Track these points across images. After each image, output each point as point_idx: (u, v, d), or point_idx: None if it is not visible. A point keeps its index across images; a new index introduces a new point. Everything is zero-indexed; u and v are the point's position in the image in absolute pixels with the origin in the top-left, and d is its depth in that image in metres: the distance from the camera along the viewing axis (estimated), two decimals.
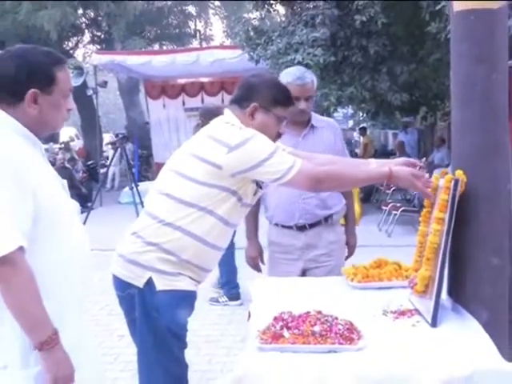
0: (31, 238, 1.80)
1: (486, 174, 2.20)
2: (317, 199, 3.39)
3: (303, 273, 3.48)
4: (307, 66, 8.48)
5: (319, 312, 2.15)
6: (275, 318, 2.13)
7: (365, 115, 17.05)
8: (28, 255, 1.78)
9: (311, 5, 8.65)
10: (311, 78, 3.39)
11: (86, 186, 14.54)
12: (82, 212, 11.08)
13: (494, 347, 2.01)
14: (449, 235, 2.17)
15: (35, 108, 1.89)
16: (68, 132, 26.91)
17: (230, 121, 2.47)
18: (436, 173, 2.44)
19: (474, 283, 2.25)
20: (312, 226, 3.43)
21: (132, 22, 16.07)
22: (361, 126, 17.01)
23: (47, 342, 1.77)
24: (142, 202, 8.96)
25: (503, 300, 2.26)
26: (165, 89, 15.69)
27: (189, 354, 4.51)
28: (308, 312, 2.14)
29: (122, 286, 2.42)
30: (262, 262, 3.68)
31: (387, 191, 11.03)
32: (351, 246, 3.67)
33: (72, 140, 25.09)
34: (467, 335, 2.08)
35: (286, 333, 2.01)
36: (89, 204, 11.64)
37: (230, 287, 5.99)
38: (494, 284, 2.22)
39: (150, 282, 2.36)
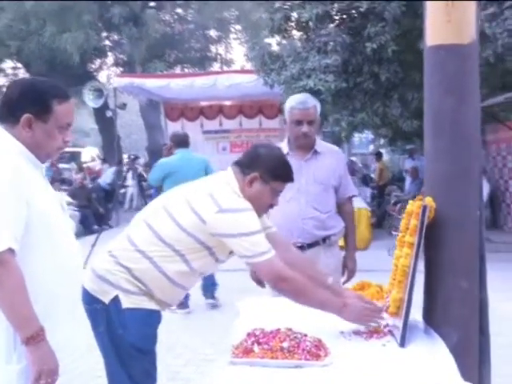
0: (24, 245, 1.98)
1: (456, 200, 2.30)
2: (315, 220, 3.53)
3: None
4: (319, 91, 8.63)
5: (289, 329, 2.25)
6: (248, 334, 2.24)
7: (383, 141, 17.13)
8: (20, 260, 1.96)
9: (324, 31, 8.81)
10: (313, 103, 3.56)
11: (104, 205, 14.78)
12: (97, 231, 11.32)
13: (456, 369, 2.08)
14: (417, 259, 2.27)
15: (28, 132, 2.08)
16: (90, 152, 27.41)
17: (231, 183, 2.57)
18: None
19: (444, 306, 2.33)
20: (310, 246, 3.55)
21: (153, 46, 16.40)
22: (377, 151, 17.08)
23: (33, 337, 1.94)
24: None
25: (473, 322, 2.35)
26: (183, 111, 15.91)
27: (188, 372, 4.63)
28: (278, 329, 2.25)
29: (88, 299, 2.51)
30: None
31: (399, 217, 11.06)
32: (350, 271, 3.76)
33: (93, 160, 25.53)
34: (432, 356, 2.16)
35: (256, 348, 2.12)
36: (107, 223, 11.94)
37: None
38: (463, 307, 2.31)
39: (116, 300, 2.47)
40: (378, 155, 16.04)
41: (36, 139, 2.09)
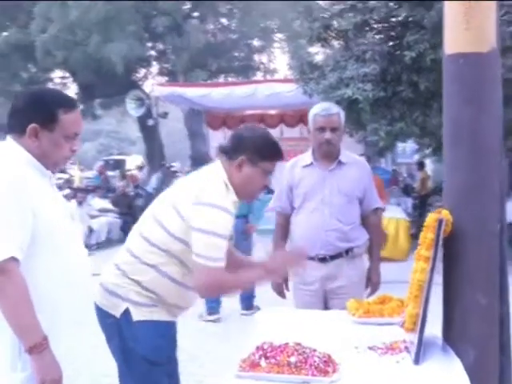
0: (29, 254, 2.01)
1: (474, 212, 2.23)
2: (338, 232, 3.49)
3: (325, 303, 3.55)
4: (357, 100, 8.54)
5: (298, 343, 2.20)
6: (257, 348, 2.20)
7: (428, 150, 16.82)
8: (25, 269, 1.98)
9: (362, 40, 8.73)
10: (337, 110, 3.53)
11: None
12: None
13: None
14: (433, 273, 2.20)
15: (34, 141, 2.11)
16: (135, 160, 27.71)
17: (219, 173, 2.51)
18: None
19: (462, 322, 2.26)
20: (333, 257, 3.51)
21: (195, 55, 16.56)
22: (419, 160, 16.79)
23: (36, 347, 1.96)
24: None
25: (492, 340, 2.26)
26: (225, 120, 15.99)
27: (211, 382, 4.61)
28: (287, 343, 2.20)
29: (100, 314, 2.52)
30: (287, 288, 3.76)
31: None
32: (374, 283, 3.70)
33: (139, 168, 25.82)
34: (446, 376, 2.08)
35: (262, 362, 2.08)
36: None
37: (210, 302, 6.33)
38: (482, 323, 2.23)
39: (126, 313, 2.46)
40: (420, 165, 15.78)
41: (42, 148, 2.11)
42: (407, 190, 15.50)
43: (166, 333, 2.56)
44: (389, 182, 17.79)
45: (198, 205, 2.38)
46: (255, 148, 2.52)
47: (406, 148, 22.90)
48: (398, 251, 9.24)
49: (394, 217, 10.09)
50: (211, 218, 2.36)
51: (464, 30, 2.21)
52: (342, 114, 3.55)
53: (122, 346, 2.48)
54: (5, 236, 1.95)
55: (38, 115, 2.09)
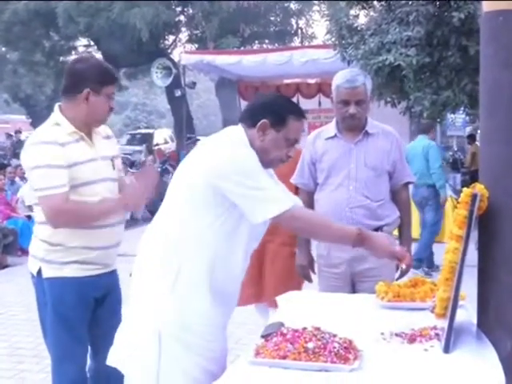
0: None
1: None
2: (365, 209, 3.43)
3: (353, 287, 3.51)
4: (399, 67, 8.41)
5: (317, 328, 2.18)
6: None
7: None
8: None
9: (405, 1, 8.55)
10: (362, 81, 3.41)
11: None
12: None
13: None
14: (465, 254, 2.15)
15: (261, 135, 2.48)
16: (163, 134, 27.63)
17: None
18: None
19: (497, 308, 2.21)
20: None
21: (226, 20, 16.46)
22: (469, 133, 16.43)
23: (356, 241, 2.48)
24: None
25: None
26: (259, 90, 15.86)
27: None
28: (305, 328, 2.19)
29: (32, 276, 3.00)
30: (313, 271, 3.74)
31: None
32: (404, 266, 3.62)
33: (166, 142, 25.81)
34: (479, 366, 2.03)
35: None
36: None
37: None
38: None
39: (40, 271, 2.91)
40: (471, 138, 15.48)
41: (264, 144, 2.47)
42: (456, 165, 15.24)
43: (72, 290, 2.88)
44: None
45: (24, 151, 2.85)
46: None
47: (457, 119, 22.54)
48: (444, 232, 9.11)
49: None
50: (34, 154, 2.78)
51: None
52: (369, 83, 3.45)
53: (37, 301, 2.98)
54: (276, 190, 2.41)
55: (271, 114, 2.47)
